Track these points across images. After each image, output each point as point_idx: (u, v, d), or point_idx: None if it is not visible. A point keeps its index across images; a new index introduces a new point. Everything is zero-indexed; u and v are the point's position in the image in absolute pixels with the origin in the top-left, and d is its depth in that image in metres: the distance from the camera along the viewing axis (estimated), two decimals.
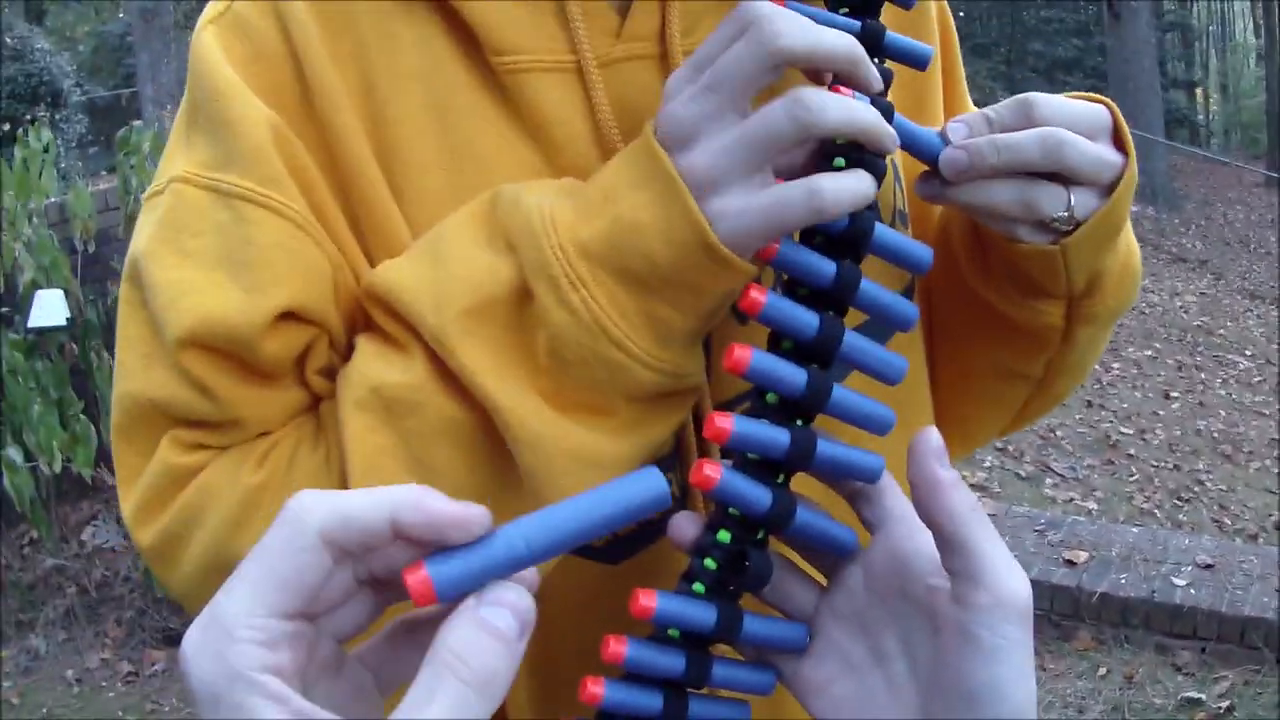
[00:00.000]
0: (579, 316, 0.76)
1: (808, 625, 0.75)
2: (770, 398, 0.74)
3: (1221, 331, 11.72)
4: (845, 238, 0.76)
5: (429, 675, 0.50)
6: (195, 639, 0.51)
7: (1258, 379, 10.18)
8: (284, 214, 0.83)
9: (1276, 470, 7.88)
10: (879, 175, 0.75)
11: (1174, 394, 9.50)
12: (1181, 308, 12.60)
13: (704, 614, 0.71)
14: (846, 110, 0.73)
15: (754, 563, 0.72)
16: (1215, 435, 8.51)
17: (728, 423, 0.69)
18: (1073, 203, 0.84)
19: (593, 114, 0.86)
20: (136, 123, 5.75)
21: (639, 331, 0.77)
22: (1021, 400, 1.07)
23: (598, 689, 0.69)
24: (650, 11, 0.88)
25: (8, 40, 14.04)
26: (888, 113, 0.77)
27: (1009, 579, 0.65)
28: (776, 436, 0.71)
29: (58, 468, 4.99)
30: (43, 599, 5.42)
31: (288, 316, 0.83)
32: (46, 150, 5.68)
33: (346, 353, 0.86)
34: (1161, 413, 8.98)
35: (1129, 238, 0.94)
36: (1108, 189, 0.85)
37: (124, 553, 5.50)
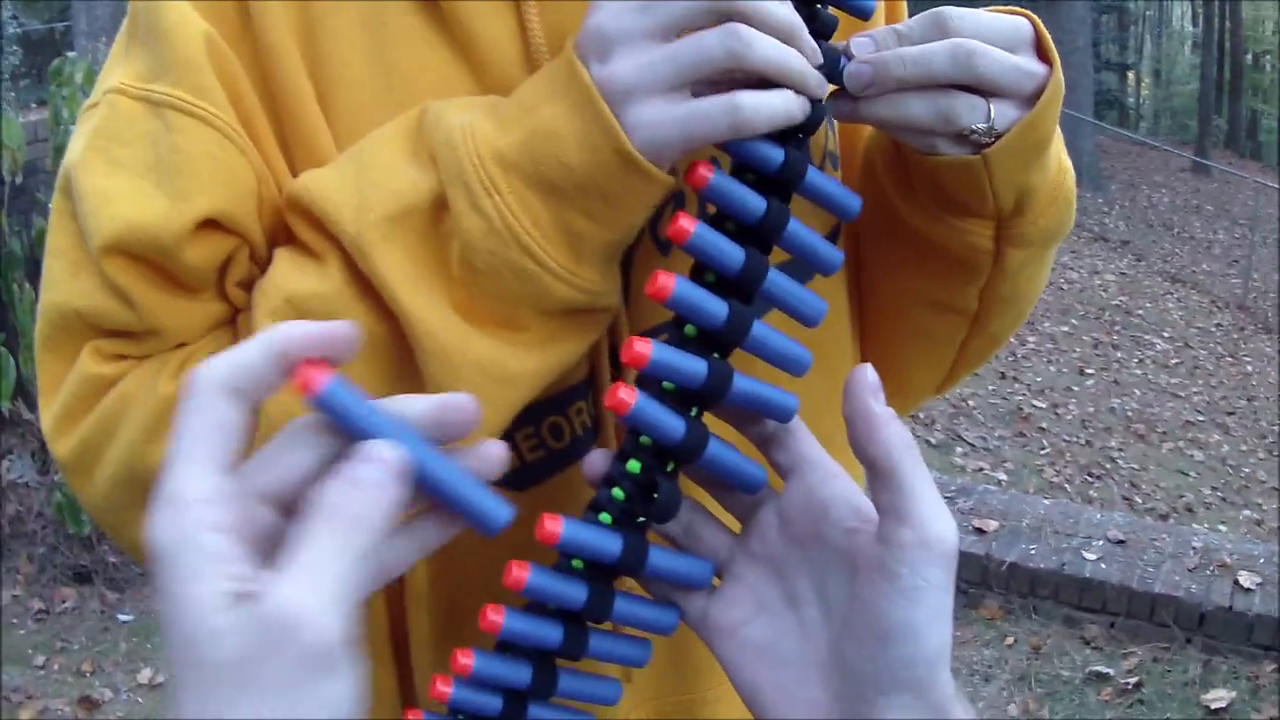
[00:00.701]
0: (491, 223, 0.76)
1: (713, 562, 0.75)
2: (689, 330, 0.74)
3: (1140, 312, 11.87)
4: (777, 177, 0.76)
5: (299, 529, 0.54)
6: (154, 518, 0.53)
7: (1174, 361, 10.33)
8: (213, 123, 0.84)
9: (1189, 452, 8.00)
10: (817, 115, 0.77)
11: (1089, 371, 9.62)
12: (1100, 286, 12.74)
13: (609, 543, 0.71)
14: (777, 51, 0.74)
15: (663, 493, 0.72)
16: (1129, 414, 8.63)
17: (646, 348, 0.69)
18: (992, 114, 0.82)
19: (526, 40, 0.86)
20: (70, 54, 5.65)
21: (552, 242, 0.77)
22: (957, 340, 1.03)
23: (498, 618, 0.69)
24: None
25: None
26: (833, 59, 0.79)
27: (936, 521, 0.64)
28: (694, 365, 0.71)
29: None
30: None
31: (210, 225, 0.83)
32: None
33: (266, 266, 0.86)
34: (1076, 389, 9.09)
35: (1062, 157, 0.92)
36: (1031, 100, 0.83)
37: (37, 489, 5.42)
